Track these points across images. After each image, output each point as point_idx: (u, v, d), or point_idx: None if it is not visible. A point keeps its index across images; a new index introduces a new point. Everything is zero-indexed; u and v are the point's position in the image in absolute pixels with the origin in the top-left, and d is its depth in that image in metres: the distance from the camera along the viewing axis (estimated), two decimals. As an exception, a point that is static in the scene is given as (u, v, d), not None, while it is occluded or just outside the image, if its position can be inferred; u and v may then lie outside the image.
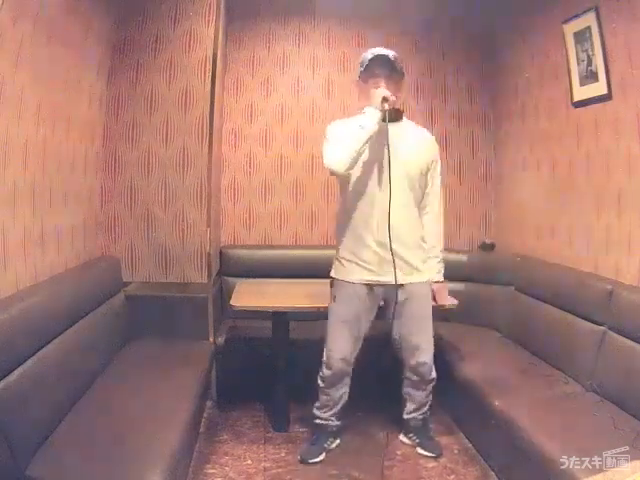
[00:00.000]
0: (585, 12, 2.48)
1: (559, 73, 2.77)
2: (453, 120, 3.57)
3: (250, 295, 2.68)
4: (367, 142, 2.09)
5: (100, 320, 2.35)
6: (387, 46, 2.26)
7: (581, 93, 2.60)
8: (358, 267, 2.25)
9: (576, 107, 2.66)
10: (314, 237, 3.52)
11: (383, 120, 2.09)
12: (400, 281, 2.21)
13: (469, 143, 3.59)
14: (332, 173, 2.17)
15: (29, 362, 1.67)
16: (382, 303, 2.32)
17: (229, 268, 3.30)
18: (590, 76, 2.51)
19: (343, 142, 2.09)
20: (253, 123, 3.48)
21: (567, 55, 2.67)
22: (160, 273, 2.90)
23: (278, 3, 3.48)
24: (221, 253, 3.32)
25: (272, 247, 3.47)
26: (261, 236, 3.50)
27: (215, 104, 2.91)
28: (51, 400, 1.76)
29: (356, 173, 2.20)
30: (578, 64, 2.60)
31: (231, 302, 2.52)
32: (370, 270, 2.23)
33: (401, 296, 2.23)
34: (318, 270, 3.19)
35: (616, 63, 2.34)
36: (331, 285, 2.36)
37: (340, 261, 2.31)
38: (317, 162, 3.52)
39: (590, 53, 2.49)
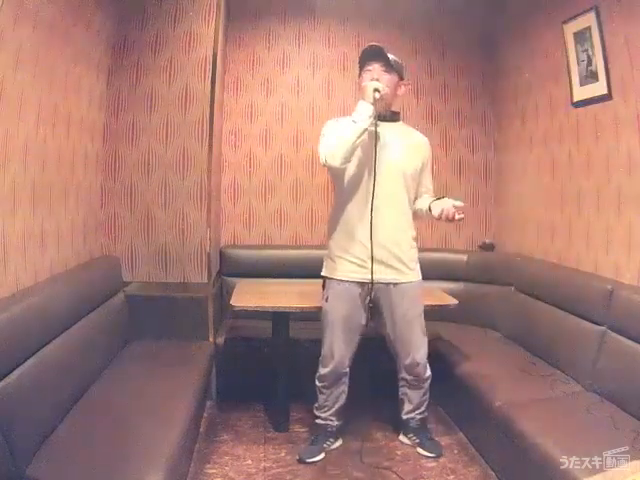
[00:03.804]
0: (585, 12, 2.48)
1: (559, 73, 2.77)
2: (453, 120, 3.57)
3: (250, 295, 2.68)
4: (361, 136, 2.09)
5: (100, 320, 2.35)
6: (387, 46, 2.26)
7: (581, 93, 2.60)
8: (348, 263, 2.25)
9: (576, 107, 2.66)
10: (314, 237, 3.52)
11: (378, 119, 2.11)
12: (392, 280, 2.25)
13: (469, 143, 3.60)
14: (327, 167, 2.18)
15: (29, 362, 1.67)
16: (370, 304, 2.29)
17: (229, 268, 3.30)
18: (590, 76, 2.51)
19: (337, 137, 2.10)
20: (253, 123, 3.49)
21: (567, 55, 2.67)
22: (160, 273, 2.90)
23: (278, 3, 3.48)
24: (221, 253, 3.32)
25: (272, 247, 3.47)
26: (261, 236, 3.50)
27: (215, 104, 2.92)
28: (51, 400, 1.76)
29: (350, 169, 2.21)
30: (578, 64, 2.60)
31: (231, 302, 2.52)
32: (360, 266, 2.23)
33: (394, 295, 2.26)
34: (318, 270, 3.18)
35: (616, 63, 2.34)
36: (323, 285, 2.36)
37: (331, 258, 2.31)
38: (317, 162, 3.47)
39: (590, 53, 2.49)
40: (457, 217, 2.12)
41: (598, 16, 2.40)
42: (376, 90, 2.09)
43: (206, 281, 2.91)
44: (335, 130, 2.15)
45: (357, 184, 2.22)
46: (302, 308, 2.48)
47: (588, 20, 2.47)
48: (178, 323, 2.78)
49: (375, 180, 2.15)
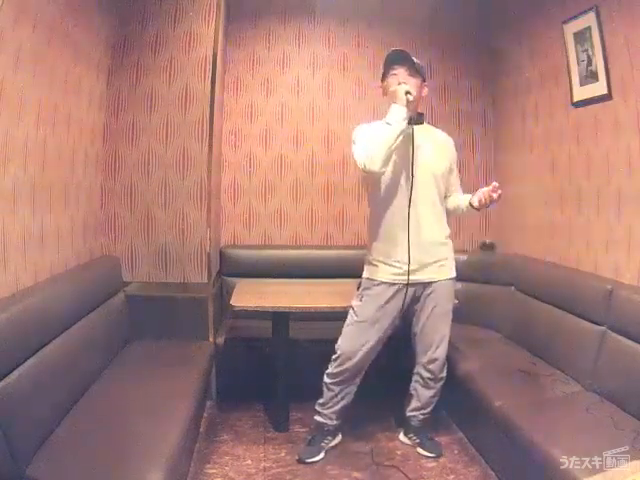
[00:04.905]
0: (585, 12, 2.48)
1: (559, 73, 2.77)
2: (453, 120, 3.57)
3: (250, 295, 2.68)
4: (398, 138, 2.10)
5: (100, 320, 2.35)
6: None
7: (581, 93, 2.60)
8: (389, 267, 2.25)
9: (576, 107, 2.66)
10: (314, 237, 3.52)
11: (409, 122, 2.12)
12: (429, 279, 2.27)
13: (469, 143, 3.59)
14: (366, 173, 2.16)
15: (29, 362, 1.67)
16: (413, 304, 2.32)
17: (229, 268, 3.30)
18: (590, 76, 2.51)
19: (374, 141, 2.10)
20: (253, 123, 3.49)
21: (567, 55, 2.67)
22: (160, 273, 2.90)
23: (278, 3, 3.48)
24: (221, 253, 3.32)
25: (272, 247, 3.46)
26: (261, 236, 3.50)
27: (215, 104, 2.92)
28: (51, 400, 1.76)
29: (387, 174, 2.21)
30: (578, 64, 2.60)
31: (231, 302, 2.52)
32: (400, 269, 2.23)
33: (428, 293, 2.29)
34: (318, 270, 3.22)
35: (616, 63, 2.34)
36: (359, 286, 2.35)
37: (372, 263, 2.31)
38: (317, 162, 3.53)
39: (590, 53, 2.49)
40: (496, 194, 2.11)
41: (598, 16, 2.40)
42: (408, 93, 2.11)
43: (206, 281, 2.91)
44: (369, 135, 2.14)
45: (395, 188, 2.23)
46: (302, 308, 2.48)
47: (588, 20, 2.47)
48: (178, 323, 2.78)
49: (413, 183, 2.16)
